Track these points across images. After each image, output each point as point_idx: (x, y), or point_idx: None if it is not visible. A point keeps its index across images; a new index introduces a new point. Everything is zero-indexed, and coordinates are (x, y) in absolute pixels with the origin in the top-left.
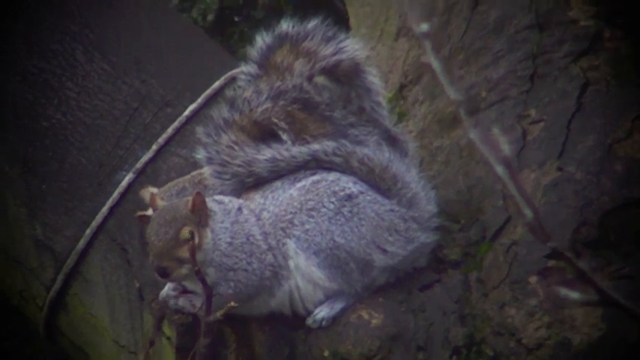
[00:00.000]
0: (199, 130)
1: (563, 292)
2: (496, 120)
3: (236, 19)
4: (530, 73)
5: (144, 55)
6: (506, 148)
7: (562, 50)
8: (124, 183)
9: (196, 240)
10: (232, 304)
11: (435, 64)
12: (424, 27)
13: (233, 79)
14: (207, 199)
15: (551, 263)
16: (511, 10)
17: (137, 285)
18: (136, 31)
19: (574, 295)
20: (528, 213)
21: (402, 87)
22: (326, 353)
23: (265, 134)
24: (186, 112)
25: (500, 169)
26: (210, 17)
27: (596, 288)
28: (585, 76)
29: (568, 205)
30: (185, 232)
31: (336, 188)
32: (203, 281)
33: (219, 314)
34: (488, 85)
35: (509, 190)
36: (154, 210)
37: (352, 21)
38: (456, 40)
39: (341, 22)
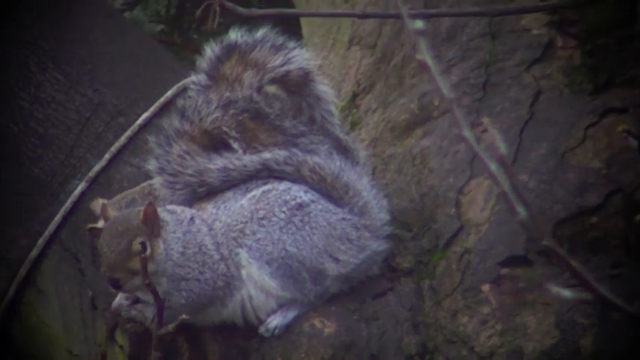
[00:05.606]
0: (151, 140)
1: (556, 290)
2: (448, 128)
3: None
4: (483, 81)
5: (97, 65)
6: (502, 147)
7: (514, 58)
8: (77, 192)
9: (148, 251)
10: (184, 316)
11: (430, 62)
12: (419, 24)
13: (185, 89)
14: (159, 209)
15: (504, 271)
16: (463, 19)
17: (90, 294)
18: (90, 42)
19: (566, 293)
20: (522, 211)
21: (354, 95)
22: None
23: (216, 144)
24: (139, 121)
25: (494, 167)
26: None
27: (588, 286)
28: (538, 84)
29: None
30: (136, 245)
31: (287, 197)
32: (155, 294)
33: (171, 327)
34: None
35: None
36: (106, 221)
37: (304, 30)
38: (409, 49)
39: (293, 30)
